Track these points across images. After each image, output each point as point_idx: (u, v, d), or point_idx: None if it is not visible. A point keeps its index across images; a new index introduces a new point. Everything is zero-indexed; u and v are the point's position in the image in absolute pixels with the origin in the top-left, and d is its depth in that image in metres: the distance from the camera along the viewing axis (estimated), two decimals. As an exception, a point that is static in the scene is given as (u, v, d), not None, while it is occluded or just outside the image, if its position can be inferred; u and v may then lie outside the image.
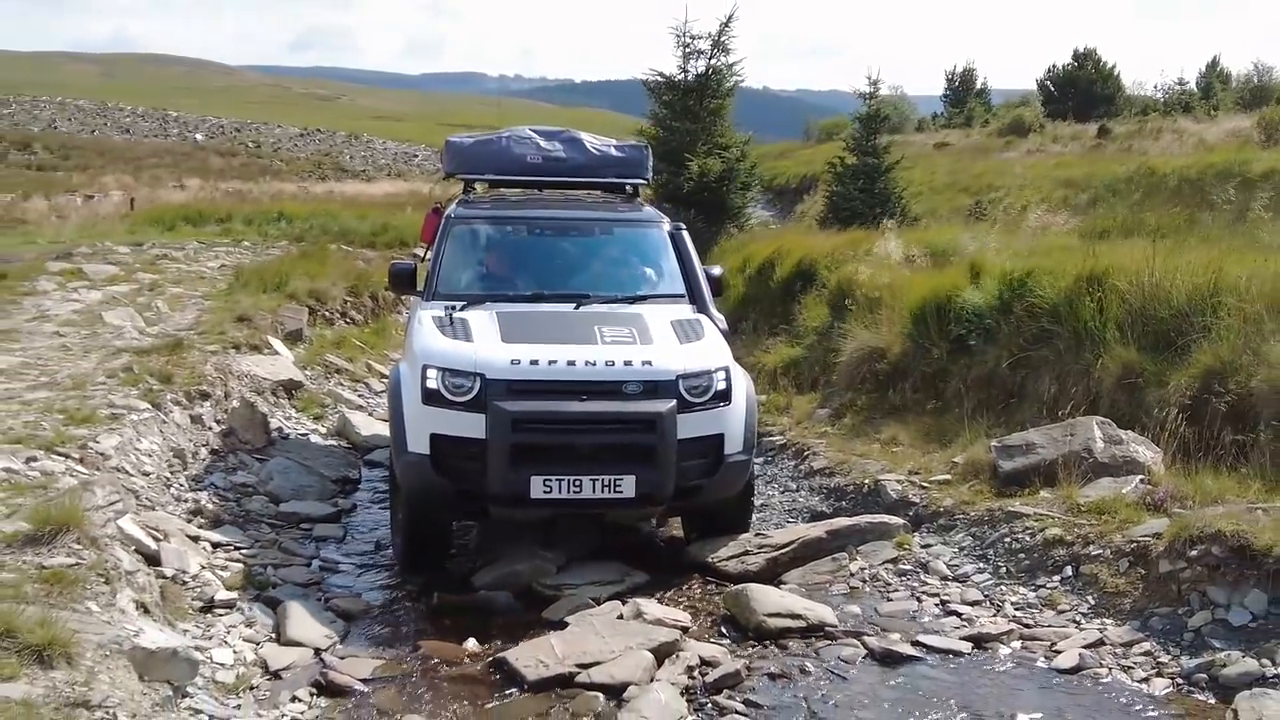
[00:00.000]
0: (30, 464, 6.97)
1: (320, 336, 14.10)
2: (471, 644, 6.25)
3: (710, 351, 7.43)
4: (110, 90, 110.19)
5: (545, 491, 6.75)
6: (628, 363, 7.02)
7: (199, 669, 5.27)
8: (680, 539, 8.13)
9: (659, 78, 20.07)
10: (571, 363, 6.96)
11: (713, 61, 19.59)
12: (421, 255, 9.85)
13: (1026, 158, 44.45)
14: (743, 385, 7.54)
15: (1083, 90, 64.33)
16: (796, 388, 11.54)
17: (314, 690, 5.70)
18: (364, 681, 5.81)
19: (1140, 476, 7.35)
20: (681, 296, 8.22)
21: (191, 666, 5.12)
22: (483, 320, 7.47)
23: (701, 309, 8.12)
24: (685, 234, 8.65)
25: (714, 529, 7.72)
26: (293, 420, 10.77)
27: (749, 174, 20.05)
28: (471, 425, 6.81)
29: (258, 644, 6.12)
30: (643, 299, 8.13)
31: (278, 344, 12.31)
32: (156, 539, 6.74)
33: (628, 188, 9.70)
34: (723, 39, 19.46)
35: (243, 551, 7.43)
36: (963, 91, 75.33)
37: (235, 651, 5.93)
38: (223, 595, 6.60)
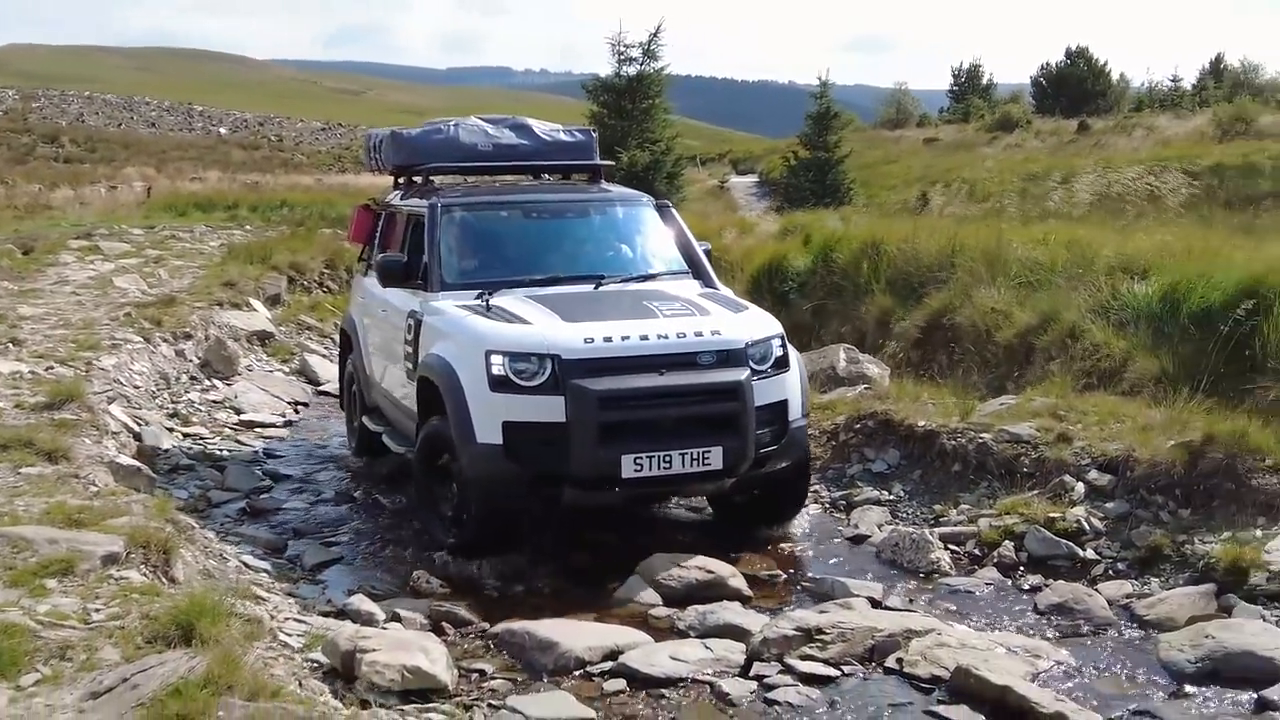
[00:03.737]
0: (49, 370, 9.64)
1: (298, 301, 16.77)
2: (360, 494, 8.89)
3: (764, 320, 7.54)
4: (143, 85, 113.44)
5: (636, 470, 6.72)
6: (698, 334, 7.01)
7: (155, 485, 7.93)
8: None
9: (596, 81, 22.75)
10: (645, 337, 6.91)
11: (643, 67, 22.27)
12: (360, 254, 10.24)
13: (1003, 152, 46.75)
14: (794, 351, 7.66)
15: (1074, 87, 66.10)
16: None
17: (243, 512, 8.34)
18: (279, 509, 8.45)
19: (866, 385, 9.93)
20: (687, 272, 8.26)
21: (150, 481, 7.79)
22: (521, 304, 7.34)
23: (709, 284, 8.19)
24: (674, 210, 8.81)
25: (774, 504, 7.80)
26: (263, 361, 13.42)
27: (675, 166, 22.68)
28: (548, 408, 6.72)
29: (206, 490, 8.75)
30: (654, 276, 8.14)
31: (256, 304, 14.97)
32: (139, 424, 9.40)
33: (598, 171, 9.45)
34: (652, 47, 22.17)
35: (205, 440, 10.10)
36: (968, 87, 76.93)
37: (189, 491, 8.57)
38: (185, 462, 9.27)
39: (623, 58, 22.11)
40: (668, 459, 6.77)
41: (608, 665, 5.63)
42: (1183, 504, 7.03)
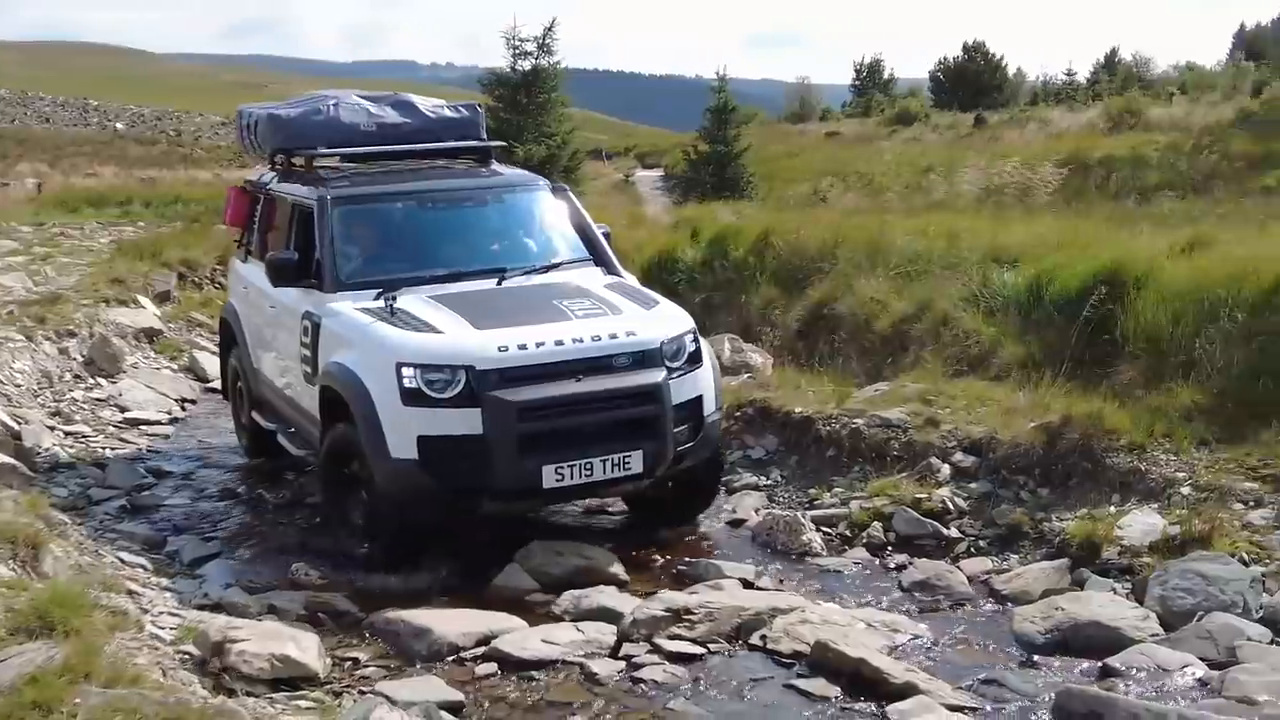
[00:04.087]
0: (-75, 370, 9.50)
1: (189, 298, 16.56)
2: (243, 489, 8.89)
3: (676, 315, 7.42)
4: (36, 80, 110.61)
5: (558, 480, 6.62)
6: (613, 335, 6.87)
7: (31, 482, 7.86)
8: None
9: (491, 75, 22.81)
10: (560, 342, 6.75)
11: (538, 62, 22.38)
12: (238, 239, 9.79)
13: (900, 146, 47.52)
14: (705, 344, 7.57)
15: (970, 82, 67.29)
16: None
17: (123, 509, 8.29)
18: (160, 506, 8.42)
19: (749, 374, 10.13)
20: (589, 259, 8.03)
21: (26, 478, 7.72)
22: (426, 308, 7.08)
23: (612, 270, 8.01)
24: (570, 194, 8.61)
25: (686, 499, 7.73)
26: (150, 359, 13.27)
27: (571, 160, 22.83)
28: (464, 421, 6.55)
29: (86, 488, 8.67)
30: (556, 265, 7.92)
31: (145, 300, 14.79)
32: (19, 423, 9.29)
33: (488, 152, 8.97)
34: (547, 41, 22.29)
35: (88, 438, 9.99)
36: (869, 82, 77.95)
37: (68, 489, 8.49)
38: (66, 461, 9.17)
39: (518, 52, 22.27)
40: (589, 466, 6.67)
41: (481, 650, 5.75)
42: (1042, 483, 7.34)
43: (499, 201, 8.46)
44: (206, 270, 17.74)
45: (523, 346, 6.66)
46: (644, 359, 6.89)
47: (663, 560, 7.20)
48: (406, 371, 6.56)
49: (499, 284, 7.56)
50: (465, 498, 6.74)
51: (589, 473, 6.68)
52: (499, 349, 6.62)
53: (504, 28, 21.89)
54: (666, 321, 7.24)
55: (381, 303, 7.14)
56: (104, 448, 9.83)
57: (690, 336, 7.25)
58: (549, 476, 6.59)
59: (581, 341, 6.78)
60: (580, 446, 6.66)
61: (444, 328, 6.82)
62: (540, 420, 6.59)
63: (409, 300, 7.17)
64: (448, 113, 9.10)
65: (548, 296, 7.29)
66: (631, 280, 8.05)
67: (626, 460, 6.74)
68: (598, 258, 8.06)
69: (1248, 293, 7.85)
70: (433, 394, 6.55)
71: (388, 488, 6.66)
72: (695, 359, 7.23)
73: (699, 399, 7.19)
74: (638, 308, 7.28)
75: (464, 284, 7.49)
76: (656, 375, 6.85)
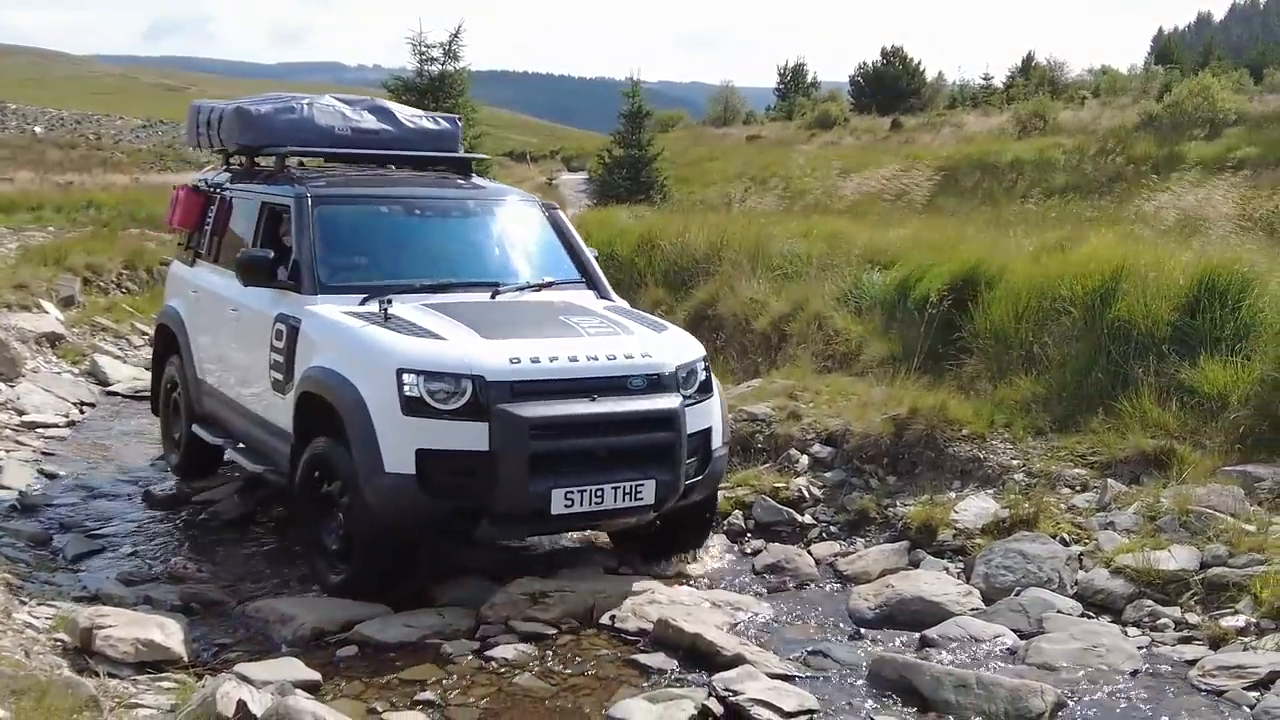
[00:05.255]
0: None
1: (94, 302, 16.69)
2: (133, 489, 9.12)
3: (688, 341, 7.10)
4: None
5: (567, 506, 6.16)
6: (628, 356, 6.48)
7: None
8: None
9: (398, 80, 23.04)
10: (574, 358, 6.33)
11: (445, 67, 22.65)
12: (186, 243, 9.23)
13: (818, 150, 48.25)
14: (713, 374, 7.23)
15: (889, 86, 68.33)
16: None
17: (13, 509, 8.48)
18: (50, 505, 8.62)
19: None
20: (581, 281, 7.72)
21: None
22: (424, 315, 6.63)
23: (604, 294, 7.72)
24: (560, 213, 8.25)
25: (681, 534, 7.30)
26: (51, 363, 13.40)
27: (477, 165, 23.06)
28: (469, 436, 6.09)
29: (-20, 489, 8.86)
30: (549, 285, 7.53)
31: (48, 305, 14.90)
32: (-90, 426, 9.44)
33: (468, 165, 8.81)
34: (453, 47, 22.59)
35: (-17, 442, 10.16)
36: (792, 86, 78.81)
37: (-39, 491, 8.69)
38: (-42, 463, 9.35)
39: (424, 57, 22.51)
40: (600, 493, 6.22)
41: (345, 635, 6.04)
42: (890, 471, 7.81)
43: (489, 214, 8.08)
44: (112, 275, 17.89)
45: (535, 360, 6.24)
46: (659, 383, 6.49)
47: (535, 551, 7.53)
48: (408, 378, 6.09)
49: (493, 298, 7.18)
50: (462, 520, 6.30)
51: (599, 500, 6.24)
52: (510, 360, 6.19)
53: (410, 33, 22.30)
54: (680, 346, 6.88)
55: (374, 307, 6.70)
56: (-1, 450, 9.99)
57: (702, 364, 6.91)
58: (558, 501, 6.14)
59: (596, 359, 6.38)
60: (592, 471, 6.25)
61: (447, 335, 6.38)
62: (553, 440, 6.17)
63: (403, 307, 6.72)
64: (427, 124, 8.86)
65: (553, 312, 6.94)
66: (624, 305, 7.78)
67: (639, 489, 6.32)
68: (589, 281, 7.75)
69: (1083, 291, 8.35)
70: (435, 404, 6.09)
71: (381, 505, 6.16)
72: (706, 388, 6.87)
73: (709, 430, 6.84)
74: (648, 330, 6.93)
75: (455, 295, 7.09)
76: (673, 400, 6.44)
